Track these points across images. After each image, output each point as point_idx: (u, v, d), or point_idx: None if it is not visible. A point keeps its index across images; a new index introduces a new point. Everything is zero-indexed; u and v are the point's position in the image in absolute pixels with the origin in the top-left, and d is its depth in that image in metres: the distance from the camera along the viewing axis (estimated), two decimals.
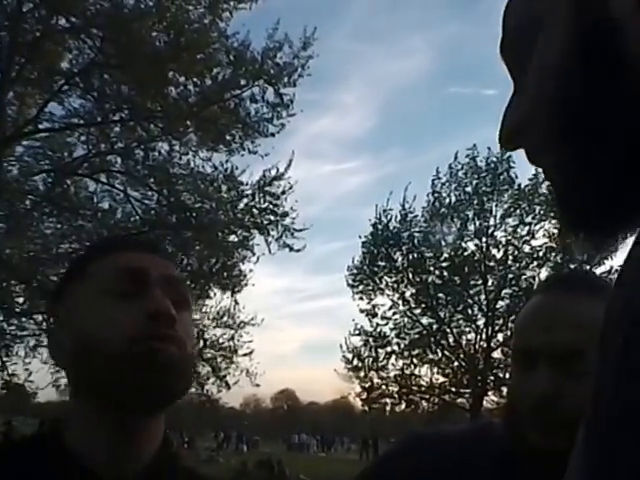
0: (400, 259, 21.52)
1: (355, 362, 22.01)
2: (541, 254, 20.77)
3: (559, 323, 1.19)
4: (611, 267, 20.34)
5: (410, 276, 21.38)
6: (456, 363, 21.58)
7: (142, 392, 1.02)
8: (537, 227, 20.89)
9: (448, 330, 21.53)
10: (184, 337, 1.06)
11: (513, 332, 1.32)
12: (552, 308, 1.23)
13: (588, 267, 19.03)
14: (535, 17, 0.72)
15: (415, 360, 21.75)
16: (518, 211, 20.99)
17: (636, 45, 0.65)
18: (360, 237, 22.05)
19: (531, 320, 1.25)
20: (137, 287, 1.06)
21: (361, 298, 21.87)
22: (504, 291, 20.67)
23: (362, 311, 21.93)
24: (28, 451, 1.08)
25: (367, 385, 22.10)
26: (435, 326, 21.65)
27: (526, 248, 20.98)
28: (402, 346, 21.75)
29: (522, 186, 21.12)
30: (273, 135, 14.02)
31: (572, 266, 19.44)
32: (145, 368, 1.00)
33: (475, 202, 21.12)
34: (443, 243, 21.30)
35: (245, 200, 14.14)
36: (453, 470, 1.28)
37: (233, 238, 14.52)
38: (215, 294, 15.81)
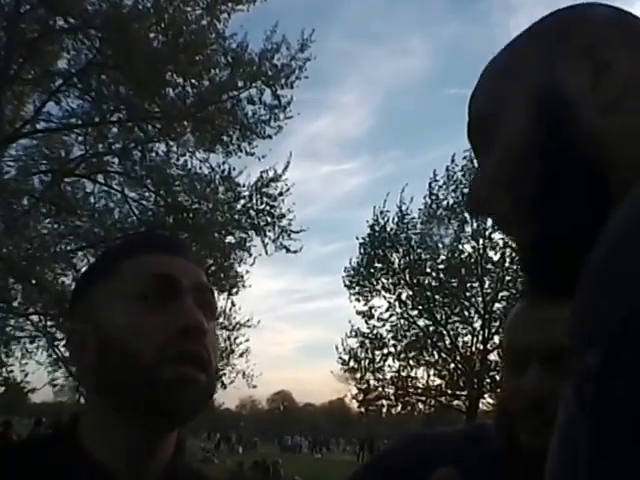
0: (397, 261, 21.53)
1: (351, 364, 22.01)
2: None
3: (549, 323, 1.18)
4: None
5: (407, 278, 21.38)
6: (452, 365, 21.57)
7: (166, 416, 1.02)
8: None
9: (444, 332, 21.53)
10: (211, 352, 1.04)
11: (504, 332, 1.32)
12: (541, 308, 1.23)
13: None
14: (498, 103, 0.79)
15: (411, 362, 21.75)
16: None
17: (592, 123, 0.72)
18: (357, 238, 22.09)
19: (521, 320, 1.25)
20: (169, 295, 1.04)
21: (358, 300, 21.90)
22: (501, 293, 20.67)
23: (359, 312, 21.95)
24: (44, 451, 1.07)
25: (363, 387, 22.09)
26: (432, 328, 21.65)
27: None
28: (398, 348, 21.75)
29: None
30: (270, 137, 14.02)
31: None
32: (172, 397, 0.99)
33: None
34: (440, 245, 21.32)
35: (242, 201, 14.15)
36: (461, 475, 1.28)
37: (230, 239, 14.51)
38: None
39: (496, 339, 20.87)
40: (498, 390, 1.38)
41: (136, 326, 1.01)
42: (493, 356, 20.77)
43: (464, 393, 21.49)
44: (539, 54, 0.79)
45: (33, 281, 12.19)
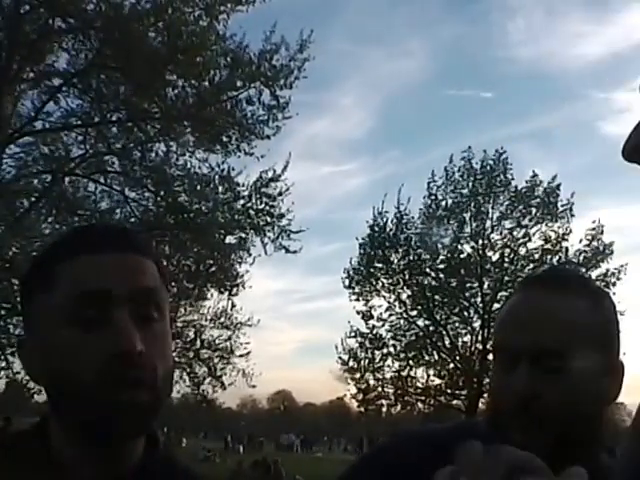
0: (396, 261, 21.52)
1: (351, 363, 21.97)
2: (537, 256, 20.79)
3: (538, 322, 1.19)
4: (607, 270, 20.42)
5: (406, 278, 21.37)
6: (452, 365, 21.55)
7: (109, 438, 1.01)
8: (533, 229, 20.92)
9: (444, 332, 21.51)
10: (149, 367, 1.00)
11: (494, 331, 1.32)
12: (531, 307, 1.23)
13: (584, 269, 19.12)
14: None
15: (411, 362, 21.71)
16: (514, 213, 20.99)
17: None
18: (357, 239, 22.09)
19: (511, 319, 1.25)
20: (100, 316, 0.99)
21: (357, 300, 21.87)
22: (500, 293, 20.66)
23: (358, 313, 21.93)
24: (15, 448, 1.07)
25: (363, 386, 22.07)
26: (431, 328, 21.63)
27: (522, 250, 21.01)
28: (398, 348, 21.72)
29: (518, 188, 21.14)
30: (269, 137, 14.04)
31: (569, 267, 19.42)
32: (113, 421, 0.98)
33: (471, 204, 21.11)
34: (439, 245, 21.30)
35: (242, 201, 14.15)
36: (437, 465, 1.29)
37: (230, 239, 14.53)
38: (212, 295, 15.83)
39: None
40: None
41: (72, 350, 0.98)
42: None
43: (463, 393, 21.48)
44: None
45: None
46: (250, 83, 13.62)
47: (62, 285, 1.01)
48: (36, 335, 1.04)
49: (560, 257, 20.61)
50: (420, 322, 21.72)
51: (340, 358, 22.07)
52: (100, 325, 0.98)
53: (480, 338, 21.13)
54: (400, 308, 21.68)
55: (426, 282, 21.44)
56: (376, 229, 21.70)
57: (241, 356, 16.65)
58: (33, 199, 13.40)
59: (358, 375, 21.95)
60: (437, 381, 21.92)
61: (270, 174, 14.21)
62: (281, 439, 68.29)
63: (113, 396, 0.97)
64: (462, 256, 21.14)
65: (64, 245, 1.08)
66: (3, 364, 14.03)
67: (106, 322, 0.98)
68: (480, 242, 21.02)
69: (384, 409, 23.09)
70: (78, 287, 0.99)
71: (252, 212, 14.16)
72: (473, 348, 21.52)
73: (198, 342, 16.12)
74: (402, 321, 21.78)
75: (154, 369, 1.00)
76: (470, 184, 21.22)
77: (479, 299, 21.24)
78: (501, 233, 21.10)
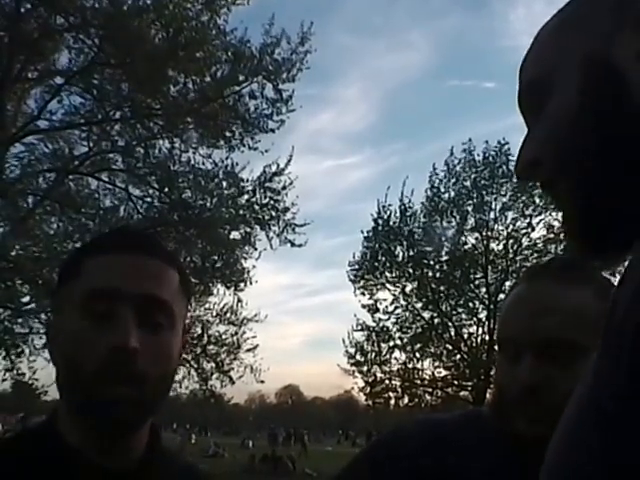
0: (401, 254, 21.55)
1: (358, 357, 22.01)
2: (541, 246, 20.79)
3: (544, 312, 1.20)
4: None
5: (411, 271, 21.39)
6: (458, 356, 21.58)
7: (103, 429, 1.06)
8: (536, 219, 20.92)
9: (450, 324, 21.54)
10: (148, 369, 1.05)
11: (498, 321, 1.32)
12: (536, 297, 1.23)
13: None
14: (550, 69, 0.81)
15: (417, 354, 21.74)
16: (517, 204, 20.99)
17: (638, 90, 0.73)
18: (362, 232, 22.10)
19: (516, 309, 1.25)
20: (108, 311, 1.04)
21: (363, 293, 21.89)
22: (505, 284, 20.66)
23: (364, 306, 21.96)
24: (28, 445, 1.10)
25: (370, 379, 22.11)
26: (437, 320, 21.64)
27: (526, 240, 21.03)
28: (404, 340, 21.74)
29: None
30: (273, 131, 14.04)
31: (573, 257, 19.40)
32: (106, 415, 1.03)
33: (474, 196, 21.12)
34: (443, 238, 21.30)
35: (246, 196, 14.16)
36: (437, 453, 1.31)
37: (235, 234, 14.54)
38: (218, 290, 15.84)
39: None
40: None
41: (80, 340, 1.04)
42: None
43: (470, 384, 21.51)
44: (592, 21, 0.80)
45: (40, 281, 12.23)
46: (252, 77, 13.62)
47: (83, 279, 1.08)
48: (59, 321, 1.11)
49: (564, 247, 20.59)
50: (426, 314, 21.76)
51: (347, 351, 22.12)
52: (107, 320, 1.04)
53: (486, 329, 21.15)
54: (405, 301, 21.71)
55: (431, 274, 21.46)
56: (380, 222, 21.71)
57: (248, 351, 16.67)
58: (37, 198, 13.42)
59: (365, 368, 21.99)
60: (444, 373, 21.96)
61: (274, 168, 14.24)
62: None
63: (105, 388, 1.02)
64: (466, 247, 21.16)
65: (95, 242, 1.17)
66: (9, 365, 14.05)
67: (112, 319, 1.04)
68: (484, 233, 21.03)
69: (392, 402, 23.08)
70: (92, 283, 1.06)
71: (257, 207, 14.18)
72: (479, 339, 21.57)
73: (205, 338, 16.14)
74: (408, 313, 21.81)
75: (148, 368, 1.05)
76: (472, 176, 21.22)
77: (484, 290, 21.26)
78: (504, 224, 21.11)
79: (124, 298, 1.05)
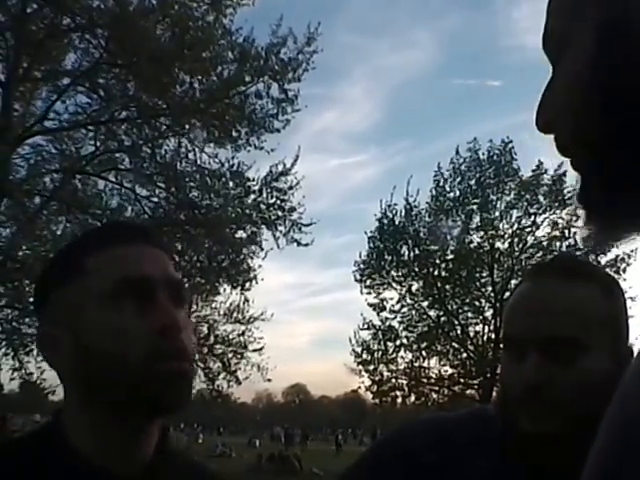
0: (406, 253, 21.55)
1: (364, 355, 22.04)
2: (546, 244, 20.80)
3: (549, 310, 1.20)
4: (616, 256, 20.37)
5: (417, 270, 21.41)
6: (464, 354, 21.59)
7: (160, 408, 1.07)
8: (541, 218, 20.94)
9: (456, 322, 21.55)
10: (189, 343, 1.08)
11: (503, 319, 1.32)
12: (540, 295, 1.23)
13: (593, 256, 19.10)
14: (568, 23, 0.77)
15: (424, 352, 21.78)
16: (522, 202, 20.99)
17: None
18: (366, 233, 22.13)
19: (521, 307, 1.25)
20: (144, 295, 1.07)
21: (369, 292, 21.93)
22: (511, 282, 20.65)
23: (370, 305, 21.98)
24: (32, 448, 1.09)
25: (377, 378, 22.13)
26: (443, 318, 21.67)
27: (531, 239, 21.03)
28: (410, 339, 21.79)
29: (526, 177, 21.13)
30: (278, 131, 14.04)
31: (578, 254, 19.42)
32: (171, 391, 1.05)
33: (479, 195, 21.12)
34: (448, 237, 21.31)
35: (252, 196, 14.15)
36: (443, 451, 1.31)
37: (241, 234, 14.54)
38: (225, 290, 15.84)
39: None
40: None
41: (117, 329, 1.04)
42: None
43: (477, 382, 21.52)
44: None
45: None
46: (258, 77, 13.62)
47: (100, 270, 1.08)
48: (65, 321, 1.09)
49: (569, 244, 20.62)
50: (432, 313, 21.79)
51: (353, 350, 22.14)
52: (141, 306, 1.06)
53: (492, 327, 21.17)
54: (411, 299, 21.76)
55: (436, 273, 21.47)
56: (385, 222, 21.73)
57: (255, 350, 16.65)
58: (44, 198, 13.44)
59: (372, 367, 22.02)
60: (450, 371, 22.00)
61: (280, 168, 14.23)
62: (275, 432, 68.65)
63: (163, 367, 1.04)
64: (472, 246, 21.16)
65: (94, 238, 1.16)
66: (16, 365, 14.09)
67: (148, 305, 1.06)
68: (489, 232, 21.03)
69: (398, 400, 23.10)
70: (119, 272, 1.07)
71: (263, 206, 14.18)
72: (485, 337, 21.58)
73: (212, 337, 16.14)
74: (414, 312, 21.85)
75: (188, 344, 1.08)
76: (477, 175, 21.23)
77: (490, 288, 21.28)
78: (509, 222, 21.11)
79: (156, 284, 1.08)
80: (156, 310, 1.06)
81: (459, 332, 21.65)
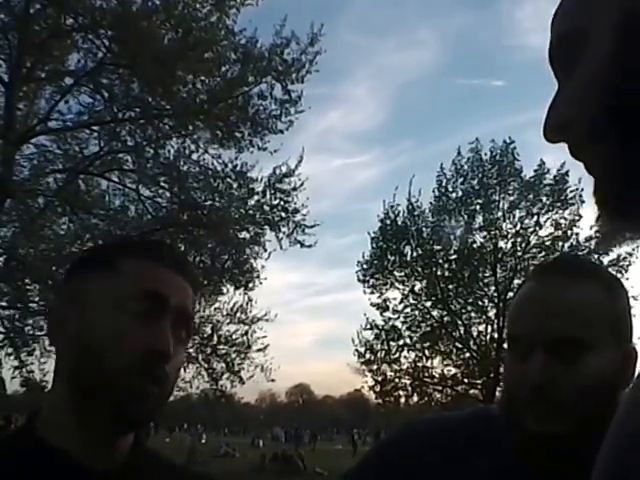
0: (409, 253, 21.56)
1: (368, 355, 22.04)
2: (548, 244, 20.80)
3: (553, 309, 1.20)
4: (619, 255, 20.37)
5: (419, 270, 21.41)
6: (468, 354, 21.59)
7: (122, 418, 1.09)
8: (544, 218, 20.93)
9: (459, 322, 21.56)
10: (172, 374, 1.12)
11: (508, 319, 1.32)
12: (544, 295, 1.23)
13: (596, 255, 19.12)
14: (585, 21, 0.75)
15: (427, 352, 21.77)
16: (524, 202, 20.99)
17: None
18: (369, 233, 22.14)
19: (525, 307, 1.25)
20: (152, 313, 1.10)
21: (372, 292, 21.94)
22: (514, 282, 20.66)
23: (373, 305, 21.99)
24: (6, 448, 1.12)
25: (380, 378, 22.13)
26: (446, 318, 21.67)
27: (534, 239, 21.03)
28: (414, 339, 21.78)
29: (528, 177, 21.14)
30: (282, 132, 14.02)
31: (580, 254, 19.44)
32: (134, 405, 1.08)
33: (481, 195, 21.13)
34: (452, 237, 21.32)
35: (256, 197, 14.14)
36: (447, 451, 1.31)
37: (245, 235, 14.53)
38: (228, 290, 15.84)
39: None
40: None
41: (115, 334, 1.08)
42: None
43: (480, 382, 21.51)
44: None
45: (49, 281, 12.26)
46: (262, 78, 13.61)
47: (127, 274, 1.12)
48: (77, 304, 1.12)
49: (572, 244, 20.63)
50: (435, 312, 21.79)
51: (357, 350, 22.15)
52: (146, 321, 1.09)
53: (495, 327, 21.17)
54: (414, 299, 21.76)
55: (440, 273, 21.48)
56: (388, 222, 21.74)
57: (259, 351, 16.65)
58: (47, 198, 13.45)
59: (375, 367, 22.03)
60: (453, 371, 21.98)
61: (284, 169, 14.23)
62: (275, 433, 68.77)
63: (136, 384, 1.07)
64: (474, 246, 21.17)
65: (135, 245, 1.21)
66: (18, 363, 14.09)
67: (152, 321, 1.09)
68: (492, 232, 21.03)
69: (402, 400, 23.10)
70: (142, 283, 1.11)
71: (266, 208, 14.17)
72: (488, 337, 21.57)
73: (215, 338, 16.14)
74: (417, 312, 21.85)
75: (171, 372, 1.11)
76: (480, 175, 21.23)
77: (493, 288, 21.28)
78: (512, 222, 21.11)
79: (169, 306, 1.12)
80: (156, 331, 1.09)
81: (462, 332, 21.65)
